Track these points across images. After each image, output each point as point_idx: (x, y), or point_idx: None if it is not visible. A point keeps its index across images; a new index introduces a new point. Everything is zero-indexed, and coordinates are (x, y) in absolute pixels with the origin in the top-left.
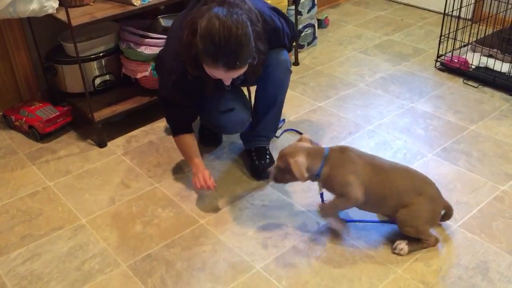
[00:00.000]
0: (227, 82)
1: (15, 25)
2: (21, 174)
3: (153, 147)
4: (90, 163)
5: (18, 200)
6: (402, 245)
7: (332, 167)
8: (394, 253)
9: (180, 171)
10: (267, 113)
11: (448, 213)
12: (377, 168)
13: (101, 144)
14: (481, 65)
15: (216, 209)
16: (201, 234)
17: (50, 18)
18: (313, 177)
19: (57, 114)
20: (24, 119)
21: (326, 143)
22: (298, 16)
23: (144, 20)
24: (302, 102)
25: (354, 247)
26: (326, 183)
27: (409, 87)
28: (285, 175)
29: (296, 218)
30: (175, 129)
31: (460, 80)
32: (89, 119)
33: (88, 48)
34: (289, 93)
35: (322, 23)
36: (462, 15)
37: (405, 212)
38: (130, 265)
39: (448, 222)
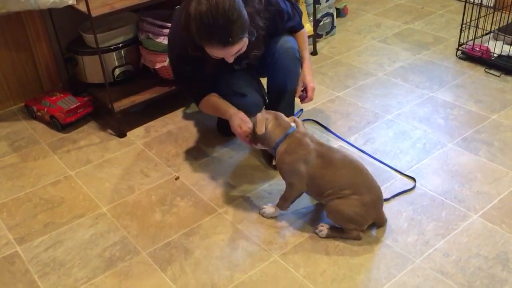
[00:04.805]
0: (230, 60)
1: (36, 16)
2: (43, 163)
3: (172, 137)
4: (110, 152)
5: (40, 189)
6: (323, 228)
7: (287, 148)
8: (315, 233)
9: (198, 160)
10: (279, 102)
11: (378, 223)
12: (327, 163)
13: (121, 134)
14: (503, 53)
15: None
16: (219, 223)
17: (70, 9)
18: (271, 149)
19: (77, 104)
20: (45, 109)
21: (344, 133)
22: (317, 5)
23: (163, 10)
24: (321, 91)
25: (372, 237)
26: (278, 163)
27: (429, 76)
28: (255, 135)
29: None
30: (196, 96)
31: (481, 69)
32: (109, 110)
33: (107, 39)
34: None
35: (341, 12)
36: (484, 3)
37: (337, 202)
38: (149, 252)
39: (468, 212)
